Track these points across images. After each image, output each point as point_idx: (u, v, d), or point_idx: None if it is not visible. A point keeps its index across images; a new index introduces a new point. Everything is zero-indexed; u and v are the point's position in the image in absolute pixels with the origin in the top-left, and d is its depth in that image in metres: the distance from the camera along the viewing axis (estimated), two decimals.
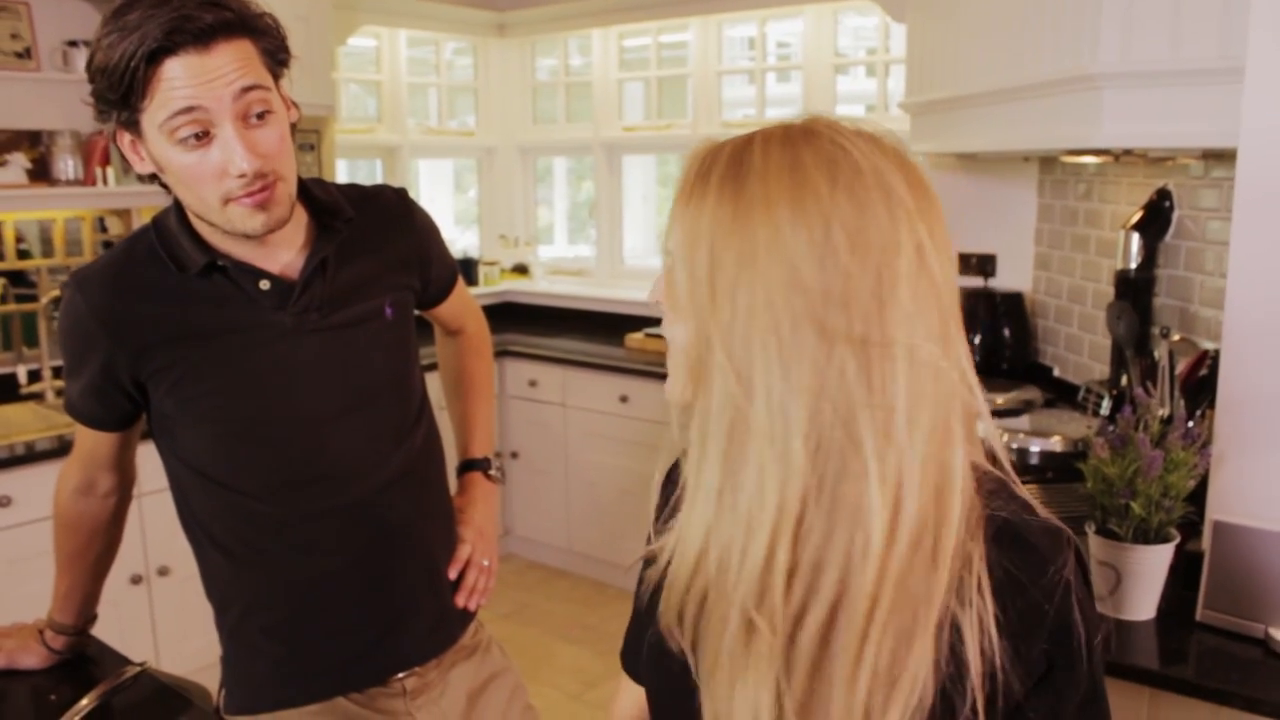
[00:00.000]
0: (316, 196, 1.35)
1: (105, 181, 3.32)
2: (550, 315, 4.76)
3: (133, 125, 1.18)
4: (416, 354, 1.50)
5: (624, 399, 3.83)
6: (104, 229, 3.52)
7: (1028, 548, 0.76)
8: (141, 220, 3.51)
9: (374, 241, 1.40)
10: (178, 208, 1.29)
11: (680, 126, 4.44)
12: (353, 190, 1.43)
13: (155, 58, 1.12)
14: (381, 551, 1.40)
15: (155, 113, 1.15)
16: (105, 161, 3.32)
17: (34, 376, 3.34)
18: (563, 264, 5.06)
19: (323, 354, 1.34)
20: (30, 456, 2.78)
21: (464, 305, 1.66)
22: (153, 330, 1.28)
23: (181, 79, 1.13)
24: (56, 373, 3.36)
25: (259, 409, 1.32)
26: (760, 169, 0.74)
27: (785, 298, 0.71)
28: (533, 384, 4.11)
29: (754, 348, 0.72)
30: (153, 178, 1.25)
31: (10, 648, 1.49)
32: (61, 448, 2.82)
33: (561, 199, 5.22)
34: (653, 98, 4.57)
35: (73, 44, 3.27)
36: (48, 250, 3.40)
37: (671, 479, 0.91)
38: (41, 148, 3.26)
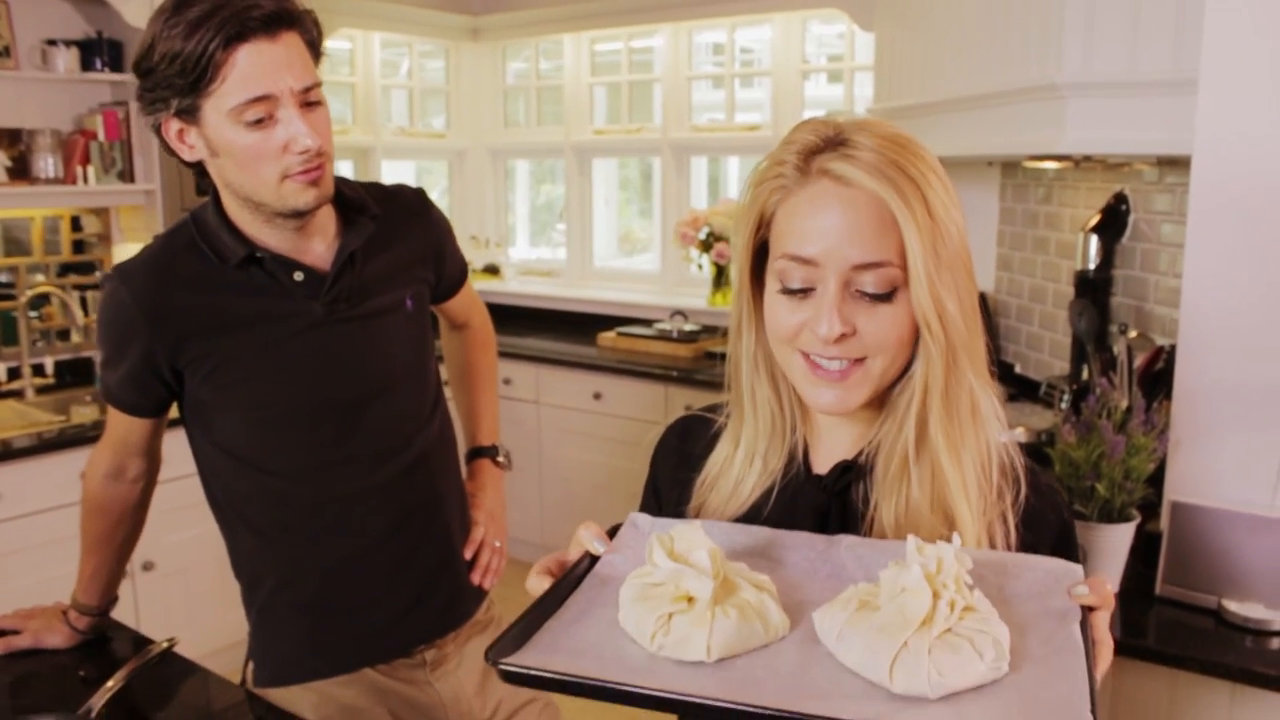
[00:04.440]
0: (344, 193, 1.43)
1: (85, 180, 3.33)
2: (522, 315, 4.81)
3: (190, 112, 1.26)
4: (433, 345, 1.57)
5: (597, 396, 3.90)
6: (79, 228, 3.53)
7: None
8: (119, 219, 3.54)
9: (396, 237, 1.48)
10: (215, 203, 1.36)
11: (650, 130, 4.53)
12: (376, 189, 1.51)
13: (230, 44, 1.21)
14: (405, 531, 1.48)
15: (224, 98, 1.23)
16: (85, 160, 3.33)
17: (14, 374, 3.35)
18: (527, 266, 5.11)
19: (351, 342, 1.41)
20: (11, 454, 2.79)
21: (471, 301, 1.74)
22: (193, 319, 1.34)
23: (254, 65, 1.22)
24: (36, 370, 3.37)
25: (293, 395, 1.39)
26: None
27: None
28: (507, 382, 4.17)
29: None
30: (195, 165, 1.32)
31: (36, 628, 1.54)
32: (42, 445, 2.84)
33: (523, 202, 5.28)
34: (622, 102, 4.65)
35: (52, 43, 3.29)
36: (14, 249, 3.38)
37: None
38: (21, 146, 3.27)
